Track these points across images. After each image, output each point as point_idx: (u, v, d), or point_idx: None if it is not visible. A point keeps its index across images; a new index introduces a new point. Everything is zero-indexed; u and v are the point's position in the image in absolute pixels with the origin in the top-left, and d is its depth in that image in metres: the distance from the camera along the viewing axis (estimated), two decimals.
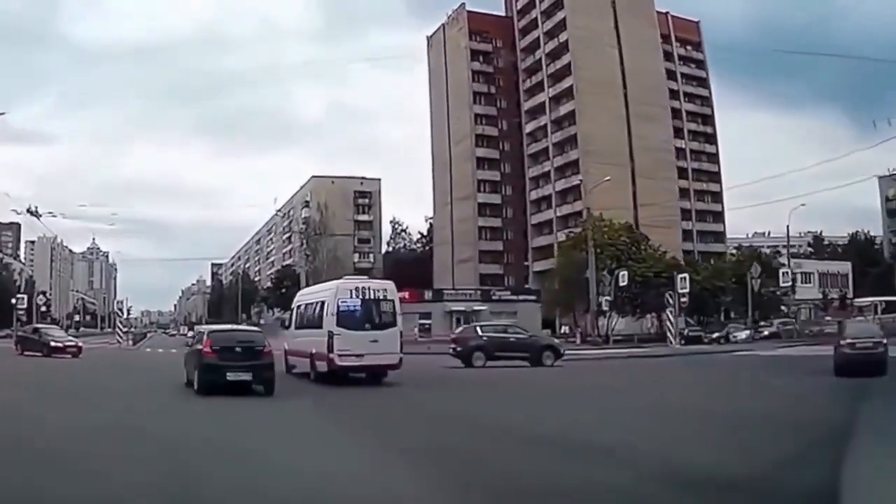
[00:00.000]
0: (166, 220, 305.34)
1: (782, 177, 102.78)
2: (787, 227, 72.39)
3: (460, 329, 34.35)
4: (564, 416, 15.05)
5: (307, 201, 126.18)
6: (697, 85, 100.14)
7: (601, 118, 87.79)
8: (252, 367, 18.96)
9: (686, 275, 49.39)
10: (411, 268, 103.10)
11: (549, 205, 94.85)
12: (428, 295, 80.00)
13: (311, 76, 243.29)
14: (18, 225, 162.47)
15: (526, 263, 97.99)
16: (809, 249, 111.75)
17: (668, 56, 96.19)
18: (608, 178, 64.75)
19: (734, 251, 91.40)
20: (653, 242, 70.55)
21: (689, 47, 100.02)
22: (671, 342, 45.60)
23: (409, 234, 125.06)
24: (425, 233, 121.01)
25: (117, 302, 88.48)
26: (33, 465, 9.58)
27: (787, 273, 55.84)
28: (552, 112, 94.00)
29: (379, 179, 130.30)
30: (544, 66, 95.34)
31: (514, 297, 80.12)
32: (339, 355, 21.82)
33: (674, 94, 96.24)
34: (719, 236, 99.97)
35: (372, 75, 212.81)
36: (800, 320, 67.27)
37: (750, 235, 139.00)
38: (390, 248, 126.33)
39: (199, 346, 19.89)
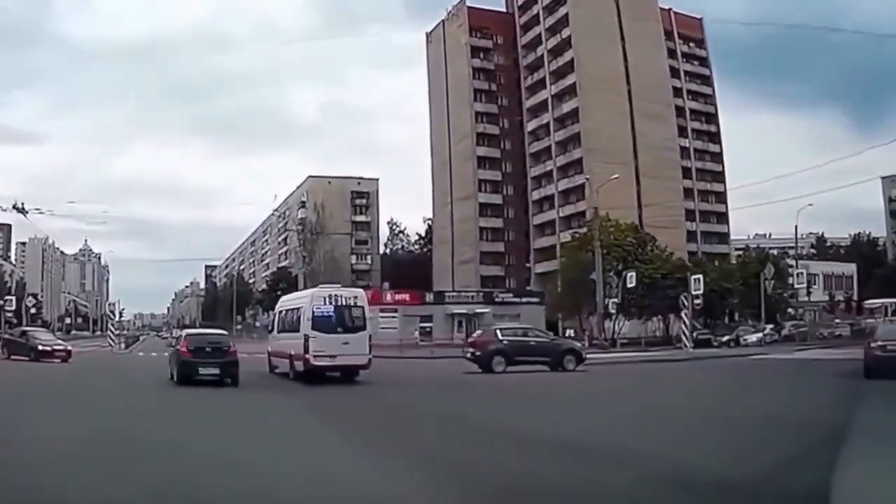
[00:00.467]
0: (160, 221, 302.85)
1: (781, 178, 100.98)
2: (796, 227, 70.84)
3: (478, 332, 32.67)
4: (617, 429, 13.23)
5: (303, 202, 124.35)
6: (701, 83, 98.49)
7: (605, 116, 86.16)
8: (219, 364, 23.10)
9: (700, 276, 47.68)
10: (410, 269, 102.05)
11: (552, 205, 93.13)
12: (429, 297, 78.55)
13: (308, 76, 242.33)
14: (9, 226, 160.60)
15: (528, 265, 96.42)
16: (812, 251, 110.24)
17: (670, 53, 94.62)
18: (616, 175, 63.16)
19: (741, 252, 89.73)
20: (659, 243, 69.16)
21: (691, 44, 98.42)
22: (686, 346, 43.90)
23: (407, 235, 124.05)
24: (423, 234, 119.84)
25: (109, 304, 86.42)
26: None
27: (801, 274, 54.08)
28: (555, 110, 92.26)
29: (377, 179, 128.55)
30: (546, 63, 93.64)
31: (517, 300, 78.74)
32: (315, 356, 24.13)
33: (677, 92, 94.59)
34: (723, 237, 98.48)
35: (370, 75, 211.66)
36: (810, 323, 65.52)
37: (751, 237, 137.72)
38: (387, 250, 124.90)
39: (178, 347, 24.51)
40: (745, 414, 15.45)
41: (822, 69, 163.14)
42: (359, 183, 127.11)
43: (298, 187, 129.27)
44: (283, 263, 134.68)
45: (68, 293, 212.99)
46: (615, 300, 57.66)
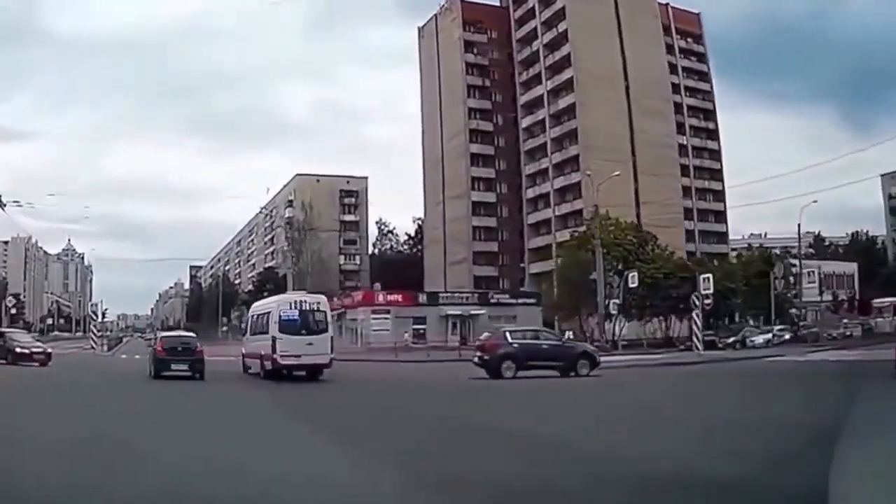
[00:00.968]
0: (147, 221, 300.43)
1: (776, 178, 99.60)
2: (799, 225, 69.04)
3: (486, 335, 30.57)
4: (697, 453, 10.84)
5: (291, 200, 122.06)
6: (698, 79, 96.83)
7: (602, 112, 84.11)
8: (188, 361, 27.03)
9: (710, 275, 45.79)
10: (400, 270, 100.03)
11: (547, 203, 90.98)
12: (422, 298, 76.20)
13: (298, 74, 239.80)
14: None
15: (522, 265, 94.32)
16: (810, 250, 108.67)
17: (668, 48, 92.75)
18: (618, 172, 61.12)
19: (743, 252, 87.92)
20: (660, 243, 67.26)
21: (689, 39, 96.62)
22: (698, 348, 41.88)
23: (396, 235, 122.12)
24: (413, 234, 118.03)
25: (92, 304, 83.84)
26: None
27: (812, 273, 52.20)
28: (550, 106, 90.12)
29: (366, 178, 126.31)
30: (542, 58, 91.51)
31: (513, 301, 76.66)
32: (281, 356, 26.45)
33: (674, 88, 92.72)
34: (721, 237, 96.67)
35: (361, 74, 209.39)
36: (818, 323, 63.81)
37: (746, 236, 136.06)
38: (376, 250, 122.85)
39: (155, 347, 28.97)
40: (823, 423, 13.11)
41: (815, 67, 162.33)
42: (348, 181, 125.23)
43: (286, 185, 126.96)
44: (269, 263, 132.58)
45: (51, 293, 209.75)
46: (616, 301, 55.67)
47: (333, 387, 25.34)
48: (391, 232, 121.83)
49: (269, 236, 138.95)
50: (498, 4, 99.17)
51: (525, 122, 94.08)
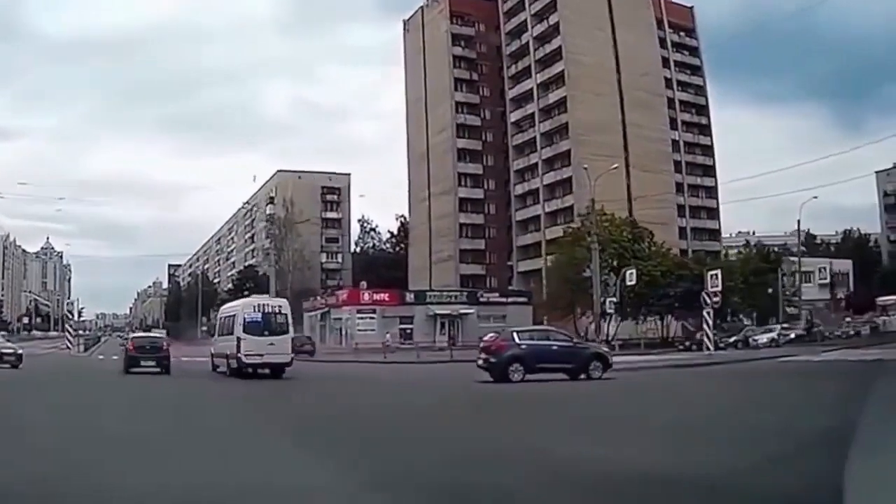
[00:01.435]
0: (126, 219, 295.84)
1: (766, 175, 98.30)
2: (798, 221, 67.68)
3: (492, 336, 28.14)
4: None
5: (272, 197, 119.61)
6: (691, 73, 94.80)
7: (594, 106, 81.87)
8: (155, 358, 30.90)
9: (718, 271, 43.66)
10: (383, 268, 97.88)
11: (536, 200, 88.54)
12: (409, 297, 73.66)
13: (278, 73, 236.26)
14: None
15: (510, 263, 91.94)
16: (803, 248, 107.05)
17: (661, 43, 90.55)
18: (616, 165, 58.88)
19: (742, 249, 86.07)
20: (656, 239, 65.25)
21: (682, 33, 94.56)
22: (709, 348, 39.64)
23: (379, 233, 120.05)
24: (396, 232, 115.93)
25: (68, 303, 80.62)
26: None
27: (824, 269, 50.20)
28: (540, 99, 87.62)
29: (348, 175, 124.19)
30: (532, 51, 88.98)
31: (503, 300, 74.45)
32: (245, 355, 28.16)
33: (667, 83, 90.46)
34: (713, 234, 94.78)
35: (342, 73, 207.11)
36: (826, 322, 62.02)
37: (733, 234, 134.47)
38: (358, 248, 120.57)
39: (128, 346, 33.19)
40: None
41: (804, 65, 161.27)
42: (330, 178, 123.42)
43: (267, 182, 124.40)
44: (250, 262, 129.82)
45: (30, 292, 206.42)
46: (613, 299, 53.31)
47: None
48: (374, 230, 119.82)
49: (250, 234, 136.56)
50: None
51: (514, 117, 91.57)
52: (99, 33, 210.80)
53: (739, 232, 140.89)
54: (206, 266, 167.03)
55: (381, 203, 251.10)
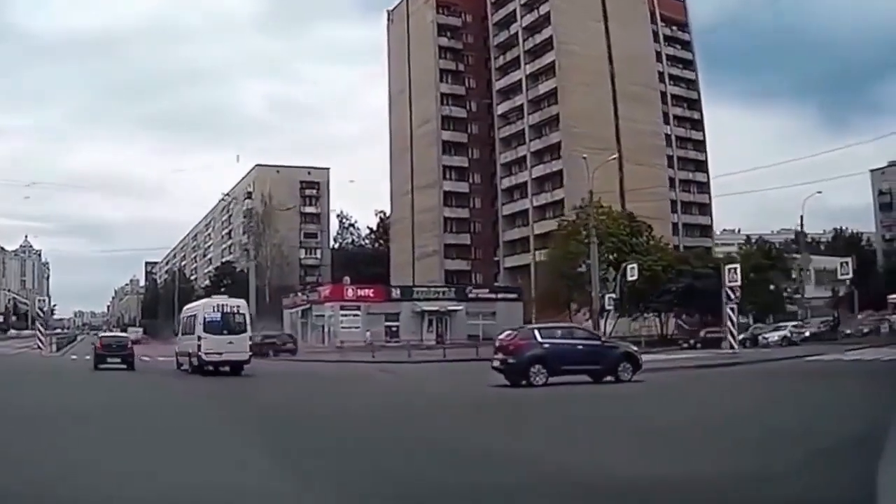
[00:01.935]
0: (106, 218, 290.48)
1: (750, 170, 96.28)
2: (801, 217, 65.36)
3: (508, 333, 24.68)
4: None
5: (250, 192, 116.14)
6: (683, 67, 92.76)
7: (585, 97, 79.38)
8: (120, 355, 33.79)
9: (737, 265, 41.26)
10: (364, 264, 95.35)
11: (524, 193, 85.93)
12: (395, 293, 70.79)
13: (256, 70, 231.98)
14: None
15: (496, 258, 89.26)
16: (794, 245, 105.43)
17: (653, 36, 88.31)
18: (614, 156, 56.30)
19: (743, 245, 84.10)
20: (654, 234, 62.93)
21: (674, 27, 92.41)
22: (733, 346, 37.14)
23: (358, 229, 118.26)
24: (375, 228, 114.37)
25: (39, 300, 76.61)
26: None
27: (846, 264, 47.73)
28: (529, 91, 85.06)
29: (327, 169, 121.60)
30: (521, 42, 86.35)
31: (493, 296, 71.96)
32: (206, 353, 29.09)
33: (659, 77, 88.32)
34: (705, 230, 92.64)
35: (321, 70, 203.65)
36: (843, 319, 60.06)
37: (720, 232, 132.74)
38: (337, 244, 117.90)
39: (97, 344, 37.02)
40: None
41: (791, 63, 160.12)
42: (309, 173, 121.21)
43: (245, 177, 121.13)
44: (227, 258, 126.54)
45: (8, 290, 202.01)
46: (613, 295, 50.75)
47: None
48: (353, 225, 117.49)
49: (227, 230, 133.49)
50: None
51: (501, 109, 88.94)
52: (78, 32, 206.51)
53: (724, 230, 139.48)
54: (182, 263, 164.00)
55: (359, 199, 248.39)
